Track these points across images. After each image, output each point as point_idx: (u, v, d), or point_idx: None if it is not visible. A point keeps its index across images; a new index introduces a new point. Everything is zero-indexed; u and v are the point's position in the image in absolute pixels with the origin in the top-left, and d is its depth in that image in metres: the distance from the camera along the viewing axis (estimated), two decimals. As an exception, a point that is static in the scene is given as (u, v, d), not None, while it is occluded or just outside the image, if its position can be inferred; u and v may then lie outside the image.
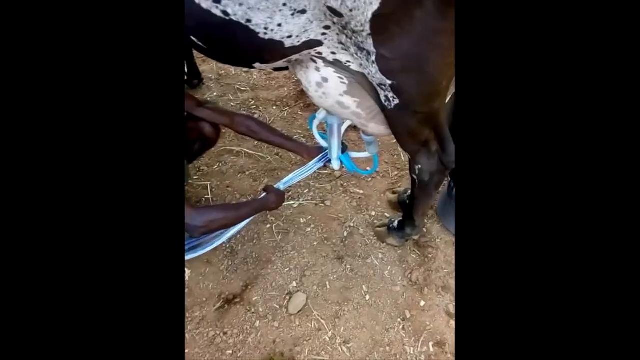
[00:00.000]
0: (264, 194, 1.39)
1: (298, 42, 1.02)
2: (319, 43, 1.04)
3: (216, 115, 1.42)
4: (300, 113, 2.37)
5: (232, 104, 2.42)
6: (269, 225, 1.69)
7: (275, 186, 1.41)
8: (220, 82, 2.59)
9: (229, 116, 1.46)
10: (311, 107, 2.40)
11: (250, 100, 2.45)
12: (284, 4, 0.92)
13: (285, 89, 2.55)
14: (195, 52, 2.40)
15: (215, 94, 2.48)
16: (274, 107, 2.40)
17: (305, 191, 1.87)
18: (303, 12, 0.94)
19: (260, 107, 2.39)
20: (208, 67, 2.67)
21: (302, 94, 2.51)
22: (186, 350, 1.28)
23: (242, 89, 2.54)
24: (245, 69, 2.73)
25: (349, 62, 1.08)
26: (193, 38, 1.09)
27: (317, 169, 1.60)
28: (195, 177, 1.88)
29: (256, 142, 2.11)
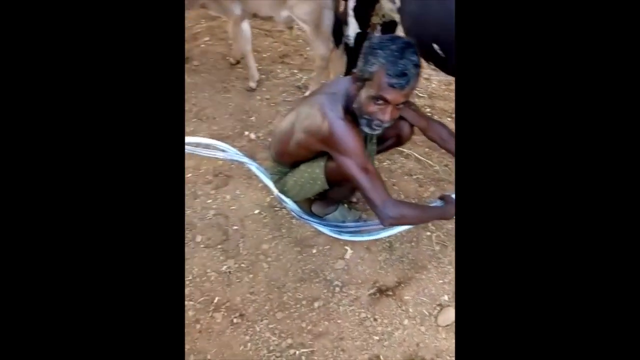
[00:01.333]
0: (439, 202, 1.41)
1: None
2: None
3: (416, 117, 1.48)
4: (474, 130, 2.31)
5: (408, 107, 2.48)
6: (428, 233, 1.71)
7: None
8: (399, 84, 2.67)
9: (426, 120, 1.51)
10: (487, 127, 2.31)
11: (426, 107, 2.47)
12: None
13: (463, 103, 2.50)
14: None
15: (393, 94, 2.57)
16: (449, 119, 2.38)
17: (468, 210, 1.83)
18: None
19: (435, 116, 2.40)
20: (391, 68, 2.78)
21: (480, 111, 2.43)
22: (338, 321, 1.40)
23: (420, 95, 2.57)
24: (425, 76, 2.76)
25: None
26: (434, 45, 1.16)
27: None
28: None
29: (427, 149, 2.14)
